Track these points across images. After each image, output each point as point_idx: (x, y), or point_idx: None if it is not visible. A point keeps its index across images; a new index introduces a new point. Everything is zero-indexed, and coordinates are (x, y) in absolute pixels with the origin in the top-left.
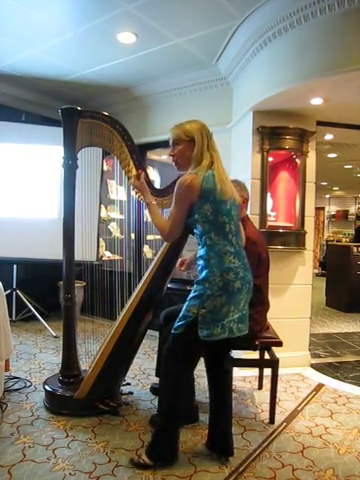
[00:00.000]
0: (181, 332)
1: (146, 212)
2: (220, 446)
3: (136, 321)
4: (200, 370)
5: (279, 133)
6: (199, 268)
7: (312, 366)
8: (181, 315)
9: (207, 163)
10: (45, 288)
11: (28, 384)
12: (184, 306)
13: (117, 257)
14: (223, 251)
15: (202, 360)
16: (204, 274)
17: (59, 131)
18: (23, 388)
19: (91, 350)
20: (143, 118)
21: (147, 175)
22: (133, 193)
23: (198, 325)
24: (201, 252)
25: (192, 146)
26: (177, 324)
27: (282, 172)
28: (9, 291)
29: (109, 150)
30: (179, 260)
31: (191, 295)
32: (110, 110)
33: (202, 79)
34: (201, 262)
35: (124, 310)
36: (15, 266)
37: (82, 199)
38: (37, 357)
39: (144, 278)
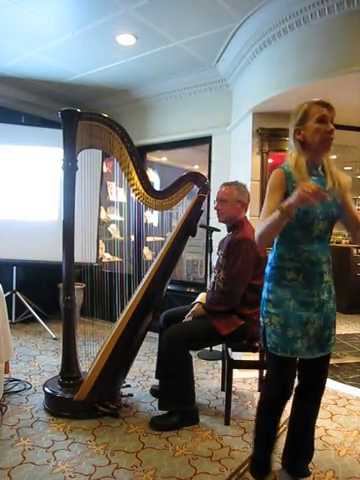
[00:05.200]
0: None
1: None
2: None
3: (136, 323)
4: (200, 372)
5: (279, 135)
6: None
7: None
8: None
9: None
10: (45, 290)
11: (28, 386)
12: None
13: (117, 259)
14: None
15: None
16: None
17: (59, 133)
18: (23, 390)
19: (91, 352)
20: (143, 120)
21: (147, 177)
22: (133, 195)
23: None
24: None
25: None
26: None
27: None
28: (9, 293)
29: (109, 152)
30: (189, 312)
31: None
32: (110, 112)
33: (202, 81)
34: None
35: (124, 312)
36: (15, 268)
37: (82, 201)
38: (37, 359)
39: (144, 280)
